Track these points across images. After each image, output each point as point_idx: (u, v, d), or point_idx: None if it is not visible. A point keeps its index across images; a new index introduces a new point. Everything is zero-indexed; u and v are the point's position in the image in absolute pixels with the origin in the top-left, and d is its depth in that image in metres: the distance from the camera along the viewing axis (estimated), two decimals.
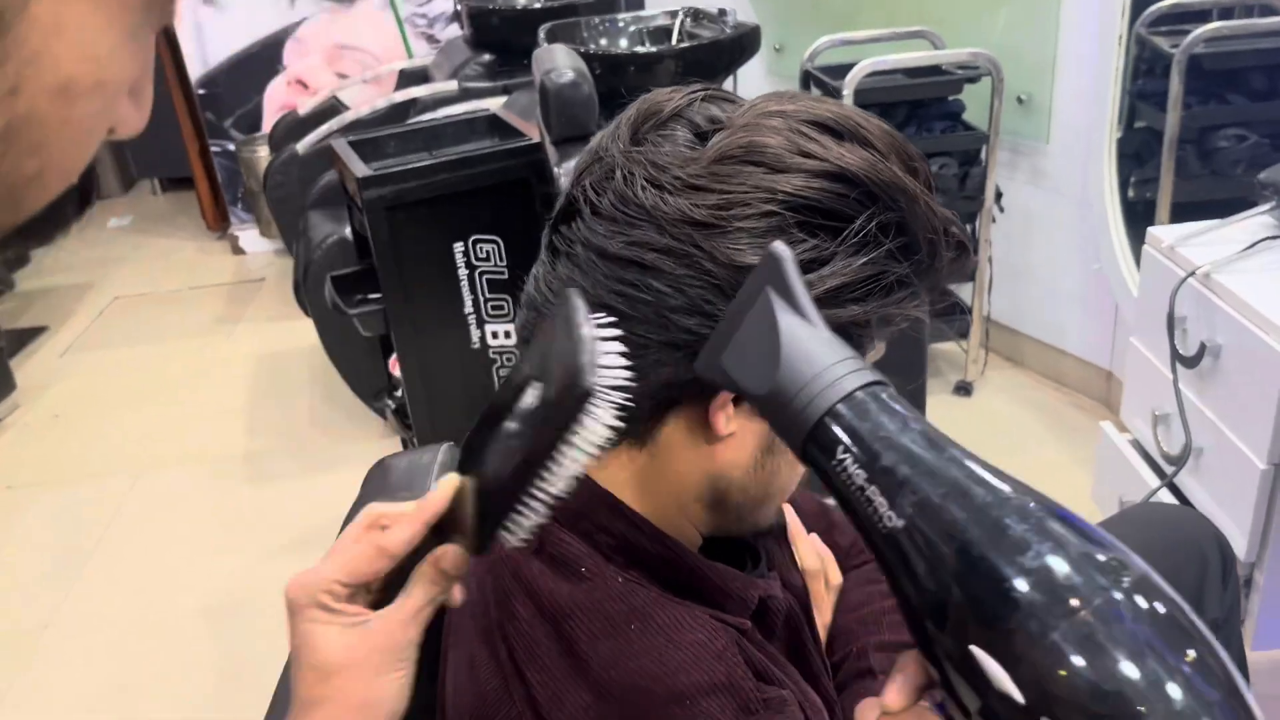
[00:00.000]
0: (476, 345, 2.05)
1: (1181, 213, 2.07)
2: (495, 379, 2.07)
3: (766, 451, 0.62)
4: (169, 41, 3.73)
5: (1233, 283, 1.27)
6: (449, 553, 0.54)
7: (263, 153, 3.56)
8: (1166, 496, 1.41)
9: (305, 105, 3.17)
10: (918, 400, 1.87)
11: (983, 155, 2.32)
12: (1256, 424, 1.22)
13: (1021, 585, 0.38)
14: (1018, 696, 0.37)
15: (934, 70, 2.32)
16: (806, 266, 0.56)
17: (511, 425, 0.52)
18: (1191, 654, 0.37)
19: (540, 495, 0.51)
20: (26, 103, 0.34)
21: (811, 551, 0.84)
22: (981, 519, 0.39)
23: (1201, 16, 2.15)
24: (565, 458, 0.49)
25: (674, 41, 2.68)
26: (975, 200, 2.33)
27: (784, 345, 0.45)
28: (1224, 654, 0.38)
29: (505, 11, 3.16)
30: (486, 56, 2.96)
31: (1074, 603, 0.37)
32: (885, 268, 0.58)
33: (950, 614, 0.39)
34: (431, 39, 3.66)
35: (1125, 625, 0.37)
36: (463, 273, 1.99)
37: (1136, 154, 2.27)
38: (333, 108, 3.17)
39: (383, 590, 0.55)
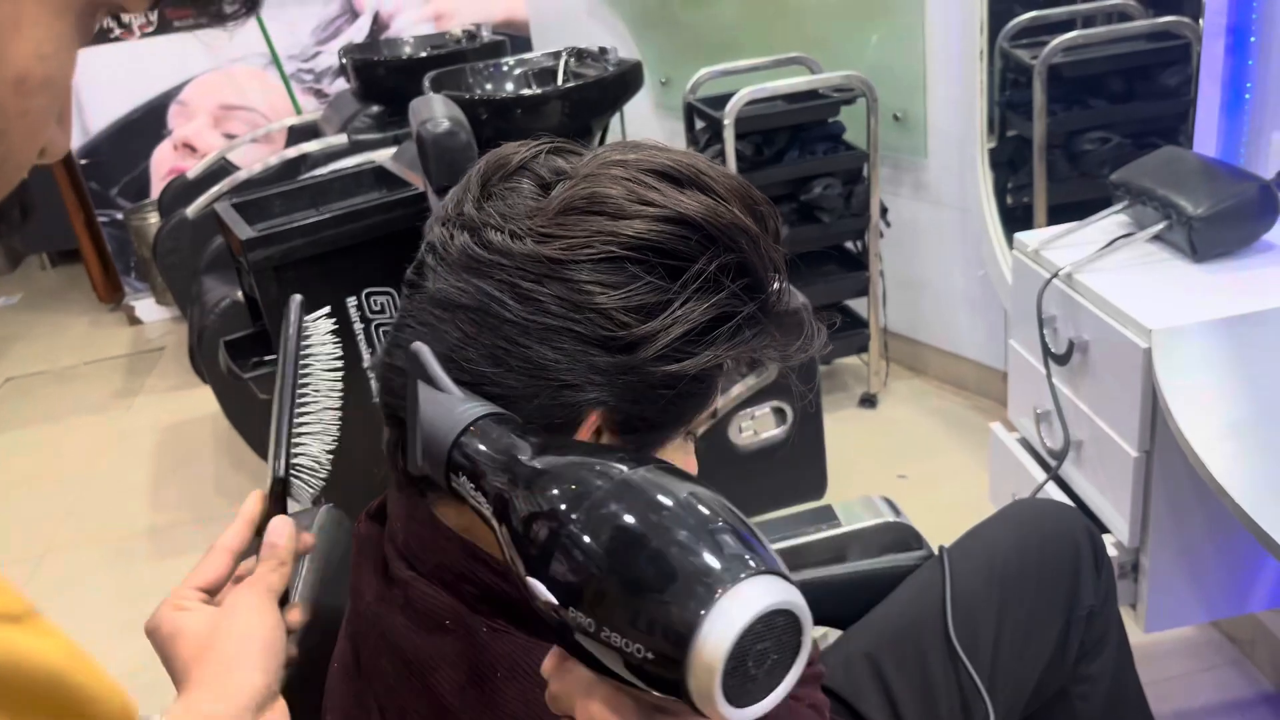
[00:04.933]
0: (378, 400, 2.02)
1: (1058, 214, 2.15)
2: None
3: None
4: None
5: (1093, 281, 1.33)
6: (275, 525, 0.67)
7: (153, 219, 3.48)
8: (1054, 490, 1.46)
9: (194, 169, 3.12)
10: (814, 410, 1.91)
11: (865, 173, 2.38)
12: (1125, 414, 1.27)
13: (539, 520, 0.47)
14: (551, 599, 0.45)
15: (812, 95, 2.38)
16: (647, 309, 0.58)
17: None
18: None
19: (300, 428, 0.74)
20: None
21: None
22: (522, 486, 0.49)
23: (1063, 27, 2.25)
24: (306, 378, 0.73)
25: (559, 82, 2.71)
26: (862, 217, 2.40)
27: (420, 416, 0.56)
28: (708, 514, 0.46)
29: (391, 62, 3.17)
30: (375, 108, 2.96)
31: (564, 512, 0.46)
32: (727, 309, 0.60)
33: (515, 557, 0.48)
34: (320, 93, 3.64)
35: (605, 514, 0.46)
36: (358, 327, 1.97)
37: (1010, 161, 2.36)
38: (222, 168, 3.12)
39: None
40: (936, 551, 1.05)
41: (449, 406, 0.56)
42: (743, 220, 0.60)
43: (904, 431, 2.46)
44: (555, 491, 0.47)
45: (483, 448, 0.53)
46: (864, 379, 2.58)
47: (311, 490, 0.74)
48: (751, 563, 0.42)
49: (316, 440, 0.74)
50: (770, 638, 0.42)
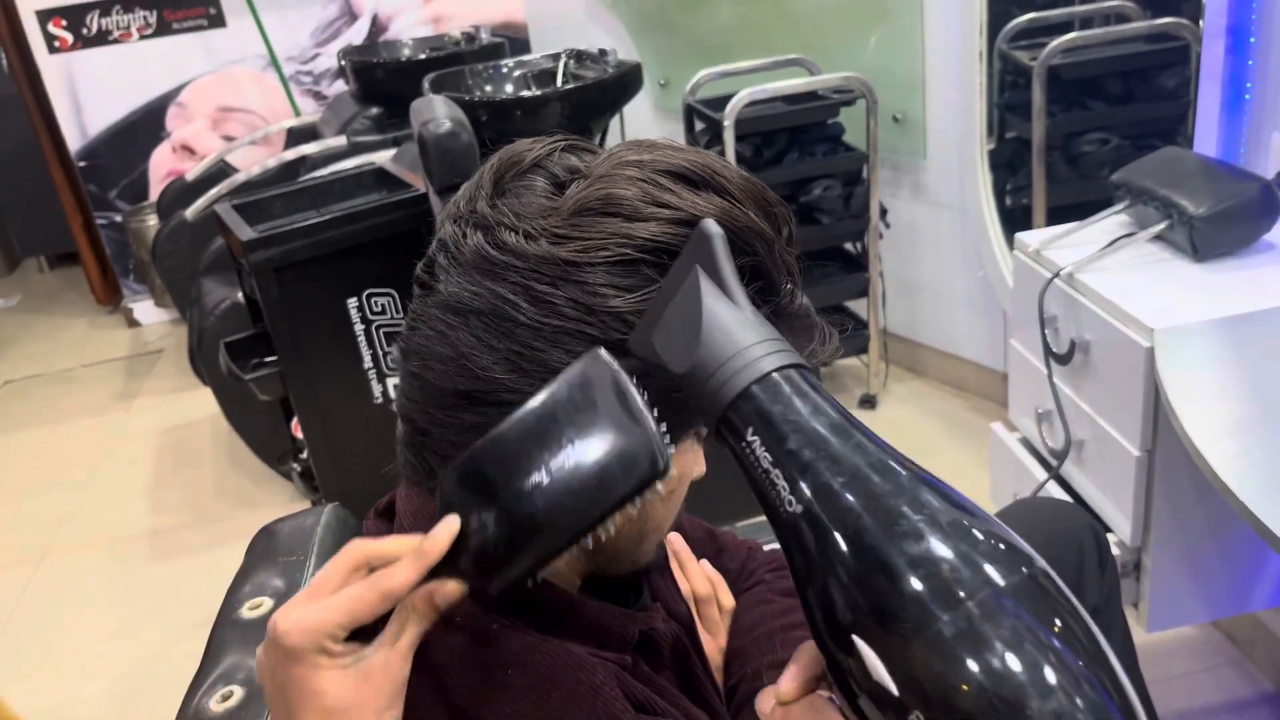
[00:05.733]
0: (379, 400, 2.03)
1: (1057, 215, 2.15)
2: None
3: None
4: (44, 115, 3.64)
5: (1094, 281, 1.33)
6: (448, 588, 0.55)
7: (151, 222, 3.48)
8: (1055, 489, 1.46)
9: (192, 171, 3.12)
10: None
11: (864, 174, 2.38)
12: (1127, 414, 1.28)
13: (907, 578, 0.38)
14: (891, 688, 0.37)
15: (811, 96, 2.38)
16: None
17: (539, 479, 0.51)
18: (1058, 623, 0.38)
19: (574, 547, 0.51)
20: None
21: (702, 577, 0.85)
22: (875, 507, 0.39)
23: (1062, 29, 2.26)
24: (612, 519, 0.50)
25: (559, 84, 2.71)
26: (861, 219, 2.40)
27: (705, 324, 0.45)
28: (1087, 617, 0.40)
29: (390, 64, 3.17)
30: (374, 110, 2.96)
31: (958, 595, 0.37)
32: None
33: (836, 600, 0.39)
34: (319, 95, 3.64)
35: (1003, 619, 0.37)
36: (359, 328, 1.97)
37: (1009, 163, 2.36)
38: (221, 171, 3.13)
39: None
40: None
41: (743, 333, 0.45)
42: (757, 223, 0.59)
43: (904, 432, 2.46)
44: (938, 550, 0.38)
45: (799, 419, 0.42)
46: (864, 380, 2.58)
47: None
48: None
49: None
50: None
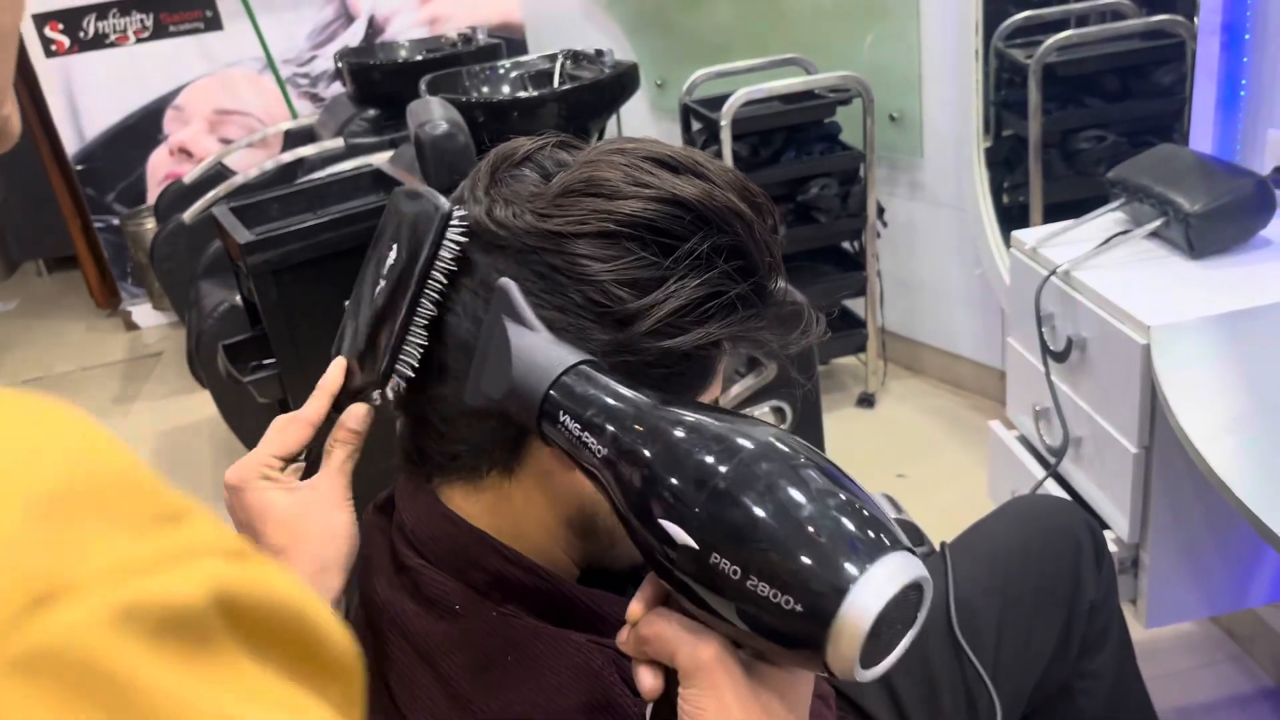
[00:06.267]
0: (377, 401, 2.02)
1: (1054, 213, 2.16)
2: None
3: None
4: (41, 118, 3.64)
5: (1090, 278, 1.33)
6: (355, 409, 0.68)
7: (149, 225, 3.48)
8: (1053, 487, 1.46)
9: (190, 173, 3.12)
10: (813, 409, 1.91)
11: (862, 173, 2.39)
12: (1124, 411, 1.28)
13: (692, 455, 0.49)
14: (693, 544, 0.47)
15: (808, 95, 2.39)
16: (641, 284, 0.59)
17: (380, 286, 0.66)
18: (803, 459, 0.49)
19: (416, 326, 0.63)
20: None
21: None
22: (663, 431, 0.51)
23: (1057, 26, 2.26)
24: (432, 284, 0.63)
25: (555, 85, 2.71)
26: (859, 217, 2.40)
27: (513, 352, 0.57)
28: (821, 456, 0.50)
29: (386, 66, 3.17)
30: (371, 111, 2.96)
31: (729, 454, 0.49)
32: (720, 287, 0.61)
33: (650, 504, 0.50)
34: (316, 98, 3.64)
35: (763, 465, 0.48)
36: None
37: (1006, 161, 2.36)
38: (218, 173, 3.12)
39: (303, 471, 0.69)
40: (938, 548, 1.05)
41: (545, 347, 0.57)
42: (737, 205, 0.61)
43: (902, 431, 2.46)
44: (704, 443, 0.49)
45: (595, 392, 0.53)
46: (862, 379, 2.58)
47: (393, 392, 0.67)
48: (896, 536, 0.47)
49: (413, 345, 0.64)
50: (904, 607, 0.46)
